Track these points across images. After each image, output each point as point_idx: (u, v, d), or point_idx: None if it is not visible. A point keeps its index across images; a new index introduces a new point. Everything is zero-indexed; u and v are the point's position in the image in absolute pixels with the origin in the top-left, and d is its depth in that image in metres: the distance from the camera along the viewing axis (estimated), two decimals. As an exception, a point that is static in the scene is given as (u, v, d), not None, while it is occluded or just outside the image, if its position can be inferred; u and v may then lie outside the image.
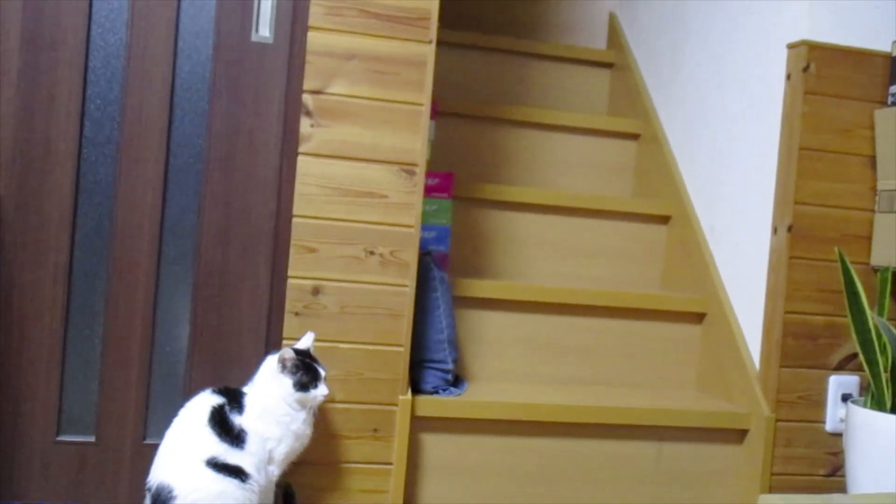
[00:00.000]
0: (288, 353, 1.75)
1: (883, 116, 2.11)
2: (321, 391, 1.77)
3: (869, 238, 2.16)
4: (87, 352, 1.95)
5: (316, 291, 1.94)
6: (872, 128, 2.14)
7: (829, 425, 2.17)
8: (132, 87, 1.93)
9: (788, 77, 2.16)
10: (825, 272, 2.15)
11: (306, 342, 1.82)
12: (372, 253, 1.96)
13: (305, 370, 1.76)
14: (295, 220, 1.93)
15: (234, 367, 1.98)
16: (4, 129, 1.88)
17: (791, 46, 2.16)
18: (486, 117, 2.77)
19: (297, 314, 1.94)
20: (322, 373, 1.78)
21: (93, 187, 1.94)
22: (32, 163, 1.89)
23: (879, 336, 1.96)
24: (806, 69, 2.11)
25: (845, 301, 2.01)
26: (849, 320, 2.01)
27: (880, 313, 2.03)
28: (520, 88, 3.04)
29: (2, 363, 1.90)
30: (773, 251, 2.18)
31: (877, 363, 1.96)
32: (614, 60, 3.11)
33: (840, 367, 2.17)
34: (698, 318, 2.43)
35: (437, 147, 2.67)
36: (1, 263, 1.89)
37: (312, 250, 1.94)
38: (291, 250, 1.93)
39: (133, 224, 1.94)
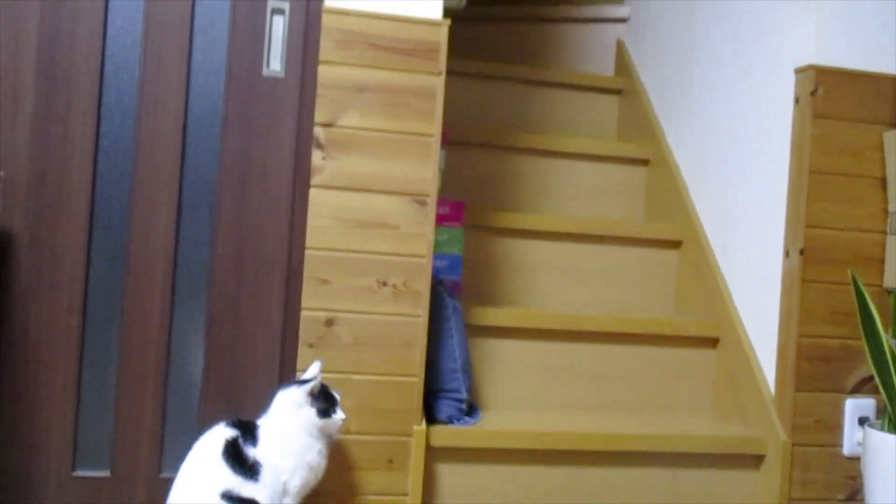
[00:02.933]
0: (316, 383, 1.77)
1: (892, 138, 2.11)
2: (340, 415, 1.80)
3: (881, 260, 2.15)
4: (101, 386, 1.96)
5: (329, 323, 1.95)
6: (882, 150, 2.14)
7: (847, 449, 2.16)
8: (145, 122, 1.95)
9: (797, 101, 2.17)
10: (838, 295, 2.15)
11: (314, 371, 1.83)
12: (385, 283, 1.97)
13: (325, 397, 1.78)
14: (308, 251, 1.94)
15: (248, 399, 1.99)
16: (20, 166, 1.90)
17: (799, 70, 2.16)
18: (496, 145, 2.79)
19: (310, 346, 1.94)
20: (338, 397, 1.81)
21: (107, 222, 1.95)
22: (47, 198, 1.91)
23: (895, 358, 1.95)
24: (814, 93, 2.12)
25: (859, 324, 2.01)
26: (863, 343, 2.00)
27: (895, 335, 2.02)
28: (529, 115, 3.05)
29: (17, 398, 1.91)
30: (785, 274, 2.18)
31: (892, 386, 1.95)
32: (622, 86, 3.12)
33: (856, 390, 2.16)
34: (712, 342, 2.42)
35: (448, 175, 2.69)
36: (16, 298, 1.91)
37: (325, 282, 1.95)
38: (304, 282, 1.94)
39: (147, 258, 1.96)
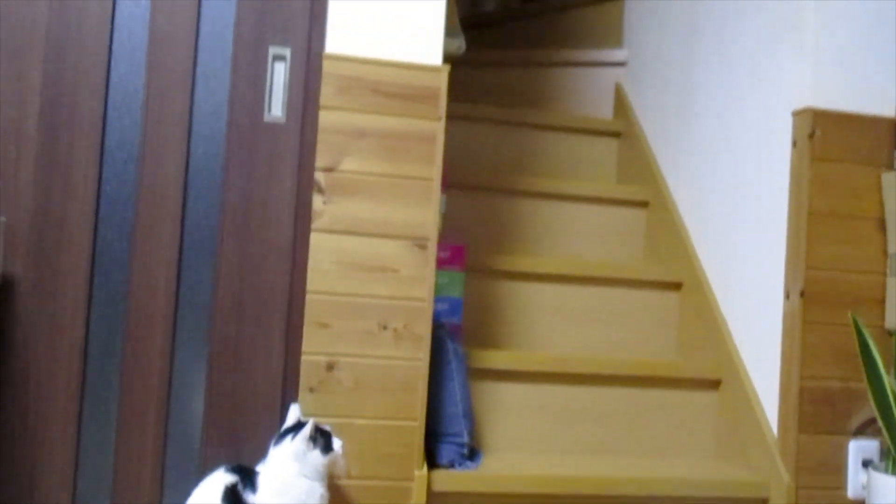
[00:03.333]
0: (311, 426, 1.76)
1: (890, 180, 2.12)
2: (338, 442, 1.80)
3: (882, 301, 2.16)
4: (102, 429, 1.95)
5: (330, 367, 1.95)
6: (880, 191, 2.15)
7: (851, 492, 2.14)
8: (148, 166, 1.96)
9: (795, 143, 2.18)
10: (840, 336, 2.14)
11: (295, 414, 1.82)
12: (385, 327, 1.97)
13: (321, 434, 1.79)
14: (308, 295, 1.94)
15: (248, 443, 1.98)
16: (22, 210, 1.91)
17: (796, 113, 2.18)
18: (496, 188, 2.80)
19: (311, 390, 1.94)
20: (329, 429, 1.82)
21: (108, 265, 1.96)
22: (48, 243, 1.92)
23: (897, 401, 1.95)
24: (812, 135, 2.13)
25: (861, 366, 2.00)
26: (866, 385, 2.00)
27: (897, 377, 2.02)
28: (529, 158, 3.07)
29: (17, 440, 1.91)
30: (786, 316, 2.18)
31: (896, 428, 1.94)
32: (622, 129, 3.15)
33: (859, 433, 2.15)
34: (714, 384, 2.42)
35: (449, 218, 2.70)
36: (17, 342, 1.91)
37: (326, 325, 1.95)
38: (305, 326, 1.94)
39: (148, 301, 1.96)
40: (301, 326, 1.95)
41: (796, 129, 2.18)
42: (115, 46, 1.95)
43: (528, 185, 2.82)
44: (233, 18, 1.99)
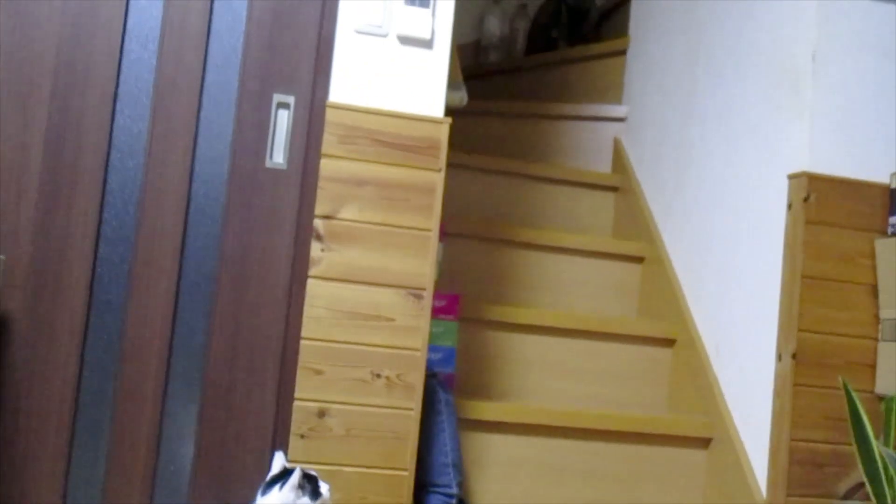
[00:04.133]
0: (298, 473, 1.75)
1: (883, 246, 2.14)
2: (325, 485, 1.78)
3: (873, 366, 2.16)
4: (91, 470, 1.95)
5: (322, 414, 1.95)
6: (873, 257, 2.17)
7: (839, 556, 2.14)
8: (148, 209, 1.97)
9: (790, 206, 2.20)
10: (830, 399, 2.15)
11: (280, 462, 1.81)
12: (378, 376, 1.97)
13: (308, 480, 1.78)
14: (303, 342, 1.95)
15: (238, 488, 1.97)
16: (21, 249, 1.92)
17: (792, 177, 2.21)
18: (494, 238, 2.81)
19: (302, 436, 1.94)
20: (315, 474, 1.80)
21: (104, 306, 1.96)
22: (46, 282, 1.93)
23: (886, 468, 1.95)
24: (807, 199, 2.15)
25: (850, 431, 2.00)
26: (854, 450, 2.00)
27: (886, 443, 2.02)
28: (527, 209, 3.09)
29: (6, 480, 1.90)
30: (777, 377, 2.19)
31: (884, 496, 1.94)
32: (619, 184, 3.17)
33: (848, 497, 2.15)
34: (704, 442, 2.42)
35: (445, 266, 2.71)
36: (10, 381, 1.91)
37: (319, 372, 1.95)
38: (299, 372, 1.94)
39: (143, 343, 1.97)
40: (294, 372, 1.96)
41: (792, 192, 2.21)
42: (120, 90, 1.97)
43: (524, 235, 2.84)
44: (238, 66, 2.02)
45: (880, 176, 2.19)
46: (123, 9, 1.97)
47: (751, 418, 2.28)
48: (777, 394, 2.18)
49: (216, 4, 2.02)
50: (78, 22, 1.95)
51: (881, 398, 2.13)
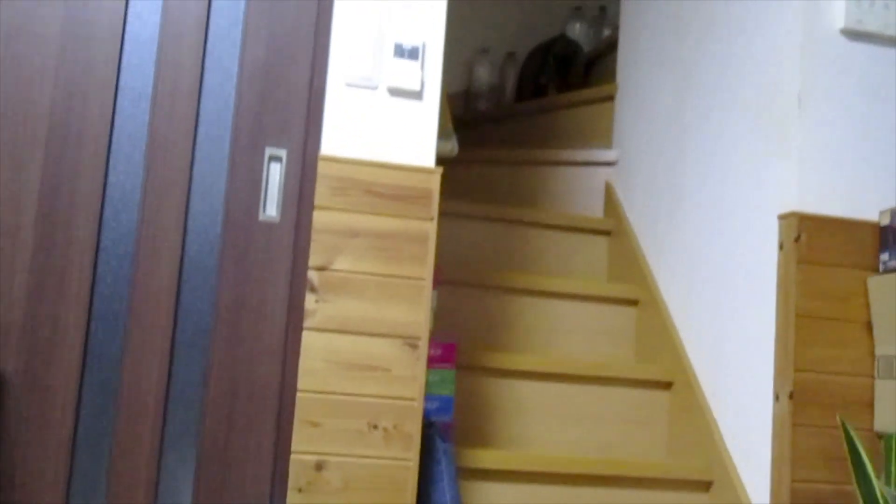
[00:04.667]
0: None
1: (876, 283, 2.15)
2: None
3: (871, 404, 2.16)
4: (87, 530, 1.93)
5: (319, 467, 1.94)
6: (867, 294, 2.18)
7: None
8: (142, 264, 1.98)
9: (781, 246, 2.22)
10: (830, 439, 2.14)
11: None
12: (375, 427, 1.97)
13: None
14: (299, 394, 1.94)
15: (235, 545, 1.96)
16: (15, 307, 1.92)
17: (782, 217, 2.22)
18: (488, 285, 2.82)
19: (300, 490, 1.92)
20: None
21: (99, 363, 1.96)
22: (40, 340, 1.92)
23: (888, 505, 1.94)
24: (797, 239, 2.17)
25: (850, 470, 2.00)
26: (855, 489, 1.99)
27: (888, 482, 2.01)
28: (520, 255, 3.10)
29: (1, 544, 1.88)
30: (775, 418, 2.18)
31: (887, 534, 1.93)
32: (612, 228, 3.19)
33: (851, 537, 2.14)
34: (705, 485, 2.40)
35: (440, 314, 2.71)
36: (5, 440, 1.90)
37: (316, 425, 1.94)
38: (295, 424, 1.94)
39: (138, 399, 1.96)
40: (291, 425, 1.95)
41: (783, 232, 2.22)
42: (113, 147, 1.99)
43: (518, 282, 2.85)
44: (230, 121, 2.03)
45: (869, 214, 2.21)
46: (116, 67, 1.99)
47: (751, 460, 2.27)
48: (776, 434, 2.18)
49: (207, 61, 2.04)
50: (72, 81, 1.97)
51: (880, 436, 2.13)
